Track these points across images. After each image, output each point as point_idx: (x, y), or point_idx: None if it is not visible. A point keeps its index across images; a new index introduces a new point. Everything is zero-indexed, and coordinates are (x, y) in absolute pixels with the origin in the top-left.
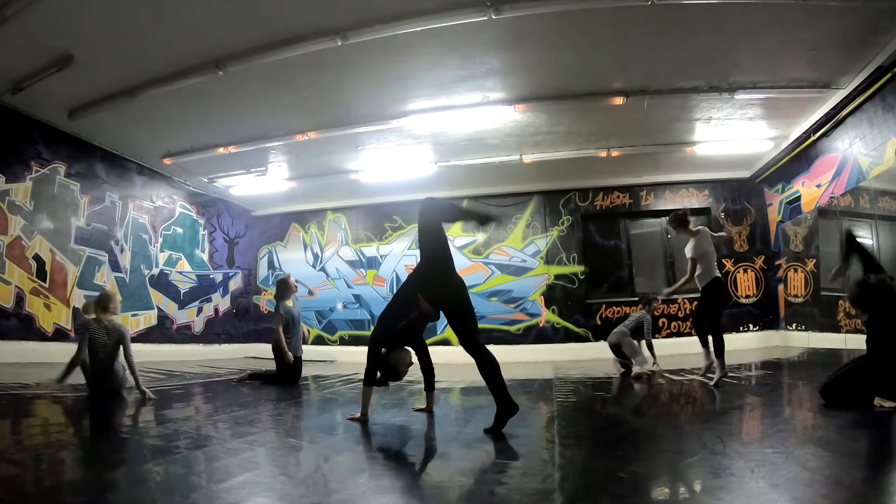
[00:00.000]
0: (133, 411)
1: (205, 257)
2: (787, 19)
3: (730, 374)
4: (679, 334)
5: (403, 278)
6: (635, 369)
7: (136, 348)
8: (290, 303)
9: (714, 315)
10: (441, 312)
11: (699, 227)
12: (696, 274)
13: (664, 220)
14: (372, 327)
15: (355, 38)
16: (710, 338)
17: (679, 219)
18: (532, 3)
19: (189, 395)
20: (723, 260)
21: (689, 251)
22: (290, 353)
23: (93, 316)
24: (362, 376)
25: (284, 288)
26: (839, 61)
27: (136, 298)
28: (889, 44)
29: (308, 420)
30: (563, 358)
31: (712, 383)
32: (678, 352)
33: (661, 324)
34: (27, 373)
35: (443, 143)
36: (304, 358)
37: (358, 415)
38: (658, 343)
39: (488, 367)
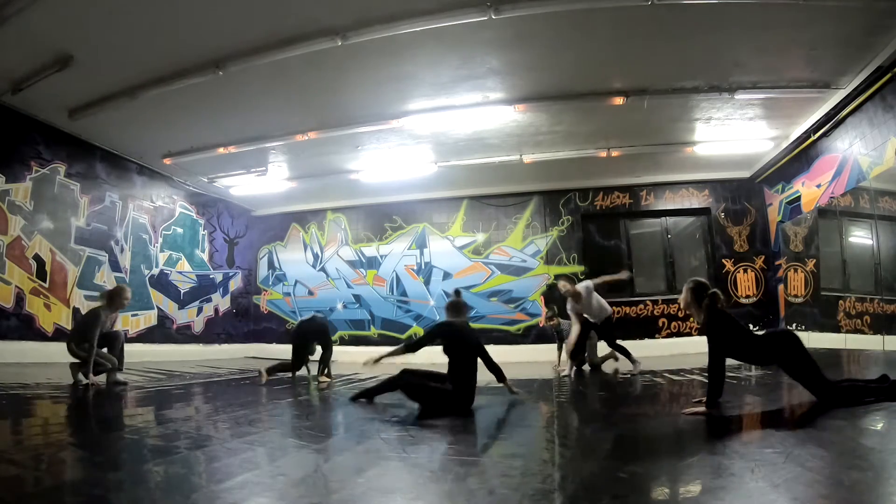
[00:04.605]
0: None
1: (205, 257)
2: (787, 19)
3: (729, 374)
4: (679, 334)
5: (403, 278)
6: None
7: (137, 348)
8: None
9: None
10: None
11: (577, 290)
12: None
13: (664, 220)
14: (372, 328)
15: (355, 38)
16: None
17: (574, 294)
18: (532, 3)
19: (189, 395)
20: (723, 260)
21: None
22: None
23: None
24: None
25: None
26: (839, 61)
27: (135, 298)
28: (889, 44)
29: (308, 420)
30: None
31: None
32: (679, 351)
33: (660, 324)
34: (27, 373)
35: (443, 143)
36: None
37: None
38: (658, 343)
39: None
